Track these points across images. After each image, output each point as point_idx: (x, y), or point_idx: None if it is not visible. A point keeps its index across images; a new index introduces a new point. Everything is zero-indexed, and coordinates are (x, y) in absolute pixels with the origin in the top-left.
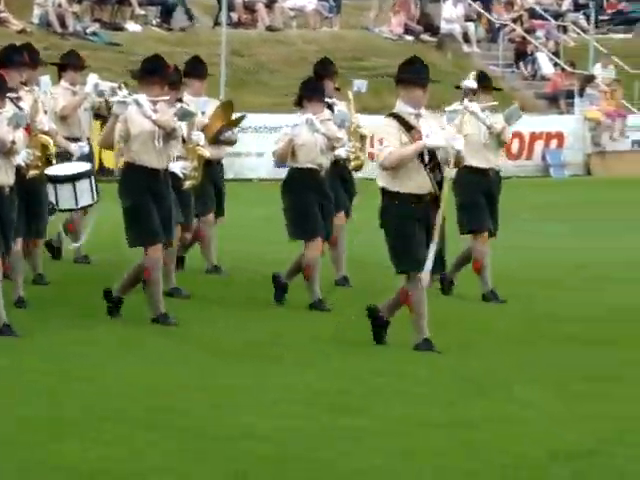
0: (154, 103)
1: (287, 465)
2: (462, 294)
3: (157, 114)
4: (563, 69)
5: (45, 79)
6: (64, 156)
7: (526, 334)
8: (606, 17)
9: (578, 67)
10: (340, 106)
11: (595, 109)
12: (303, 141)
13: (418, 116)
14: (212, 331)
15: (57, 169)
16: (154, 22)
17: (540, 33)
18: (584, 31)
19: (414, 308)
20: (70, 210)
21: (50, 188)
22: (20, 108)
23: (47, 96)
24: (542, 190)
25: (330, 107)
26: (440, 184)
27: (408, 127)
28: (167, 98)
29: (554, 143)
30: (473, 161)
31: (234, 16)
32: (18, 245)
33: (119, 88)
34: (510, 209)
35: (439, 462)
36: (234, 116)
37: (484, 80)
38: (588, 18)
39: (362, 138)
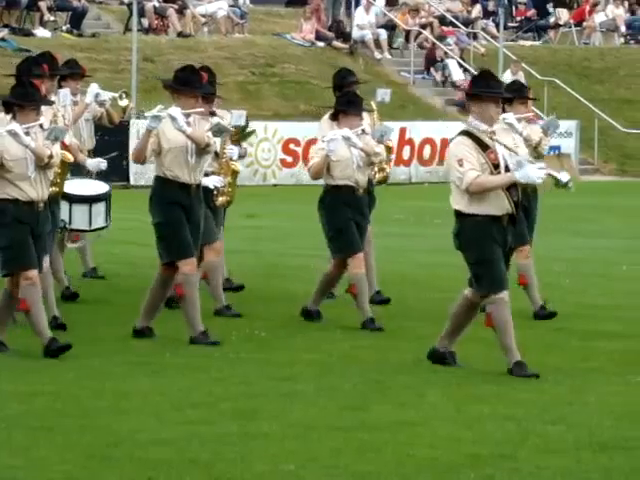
0: (187, 116)
1: (190, 470)
2: None
3: (191, 128)
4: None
5: (65, 91)
6: (79, 170)
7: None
8: (515, 24)
9: None
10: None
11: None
12: (339, 157)
13: (492, 133)
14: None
15: (75, 187)
16: (64, 28)
17: (450, 40)
18: (494, 38)
19: (499, 328)
20: (81, 231)
21: (64, 205)
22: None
23: (67, 108)
24: None
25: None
26: (517, 204)
27: (483, 146)
28: (201, 110)
29: None
30: None
31: (145, 22)
32: (47, 263)
33: (120, 98)
34: (422, 214)
35: (336, 464)
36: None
37: (520, 89)
38: (497, 25)
39: (388, 149)
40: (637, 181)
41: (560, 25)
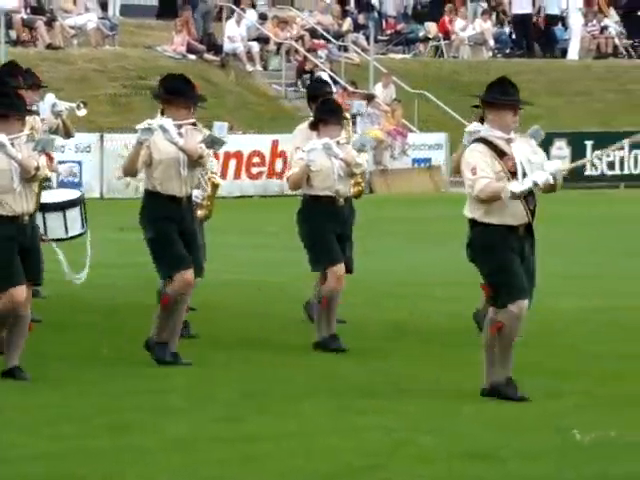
0: (179, 127)
1: None
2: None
3: (183, 140)
4: (345, 88)
5: (49, 99)
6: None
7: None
8: (385, 37)
9: (359, 87)
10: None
11: (376, 128)
12: (319, 167)
13: (509, 141)
14: None
15: (45, 196)
16: None
17: (321, 53)
18: (364, 51)
19: (504, 340)
20: (59, 240)
21: (38, 216)
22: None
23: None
24: None
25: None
26: (533, 212)
27: (500, 153)
28: (193, 121)
29: None
30: None
31: (13, 34)
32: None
33: (78, 108)
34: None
35: (221, 475)
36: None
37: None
38: (368, 38)
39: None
40: None
41: (429, 38)
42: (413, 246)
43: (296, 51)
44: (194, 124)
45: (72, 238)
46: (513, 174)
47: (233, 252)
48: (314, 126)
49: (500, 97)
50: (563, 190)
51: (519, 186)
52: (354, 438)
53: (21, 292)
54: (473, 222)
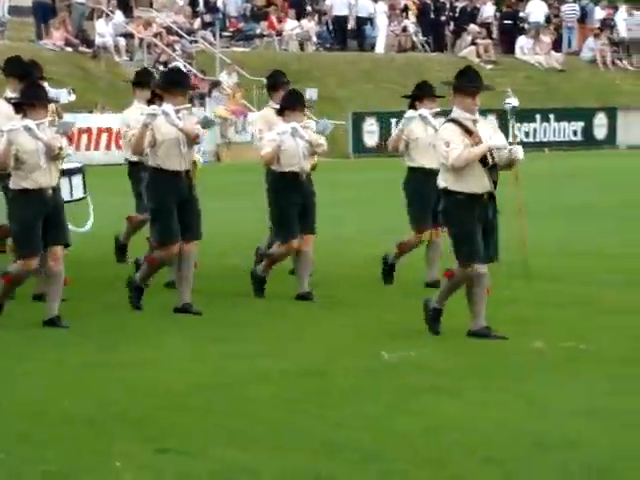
0: (177, 112)
1: None
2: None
3: (182, 122)
4: (196, 75)
5: (59, 91)
6: None
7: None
8: (229, 34)
9: (207, 74)
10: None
11: (223, 108)
12: (287, 147)
13: (475, 121)
14: None
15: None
16: None
17: (177, 46)
18: (211, 45)
19: (449, 287)
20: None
21: None
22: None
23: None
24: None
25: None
26: (495, 183)
27: (468, 131)
28: (189, 106)
29: None
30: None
31: None
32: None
33: (69, 94)
34: None
35: (99, 397)
36: None
37: (427, 89)
38: (214, 34)
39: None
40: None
41: (264, 35)
42: (250, 204)
43: (155, 45)
44: (189, 108)
45: (76, 200)
46: None
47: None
48: (280, 112)
49: (464, 84)
50: None
51: (498, 141)
52: (209, 363)
53: (34, 262)
54: (445, 191)
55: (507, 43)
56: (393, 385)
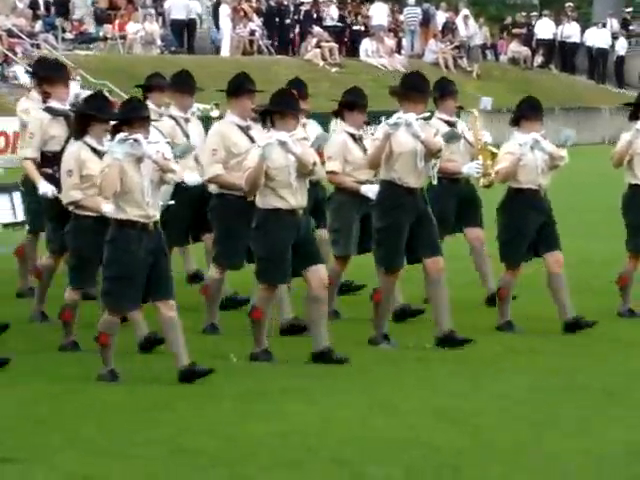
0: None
1: None
2: None
3: (424, 134)
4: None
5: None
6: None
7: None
8: (72, 37)
9: None
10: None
11: None
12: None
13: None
14: None
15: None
16: None
17: (18, 49)
18: (54, 48)
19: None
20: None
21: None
22: None
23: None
24: None
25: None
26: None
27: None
28: (428, 115)
29: None
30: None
31: None
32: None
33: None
34: None
35: None
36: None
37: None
38: (57, 37)
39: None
40: None
41: (108, 38)
42: None
43: None
44: (429, 118)
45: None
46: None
47: None
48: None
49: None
50: None
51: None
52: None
53: (278, 289)
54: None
55: (351, 46)
56: (241, 389)
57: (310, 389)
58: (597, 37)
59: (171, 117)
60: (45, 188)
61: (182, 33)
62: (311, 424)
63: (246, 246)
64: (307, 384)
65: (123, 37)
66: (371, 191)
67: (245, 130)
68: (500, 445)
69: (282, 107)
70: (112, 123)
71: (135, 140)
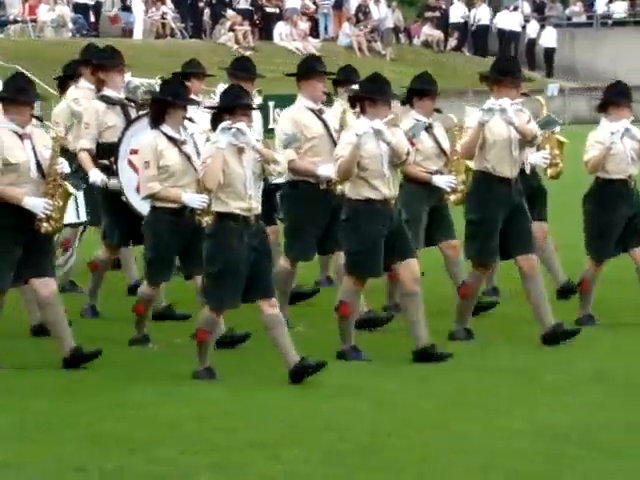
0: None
1: None
2: None
3: (518, 120)
4: None
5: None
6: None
7: None
8: None
9: None
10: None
11: None
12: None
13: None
14: None
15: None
16: None
17: None
18: None
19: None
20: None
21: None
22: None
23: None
24: None
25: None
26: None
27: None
28: (521, 100)
29: None
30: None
31: None
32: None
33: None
34: None
35: None
36: None
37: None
38: None
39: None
40: None
41: (18, 21)
42: None
43: None
44: (520, 104)
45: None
46: None
47: None
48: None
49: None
50: None
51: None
52: None
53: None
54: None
55: (265, 29)
56: (159, 374)
57: (225, 373)
58: (508, 20)
59: None
60: (95, 176)
61: (87, 16)
62: (226, 407)
63: (318, 237)
64: (221, 368)
65: (34, 20)
66: (444, 182)
67: (318, 113)
68: (417, 425)
69: (374, 94)
70: (204, 110)
71: (238, 129)
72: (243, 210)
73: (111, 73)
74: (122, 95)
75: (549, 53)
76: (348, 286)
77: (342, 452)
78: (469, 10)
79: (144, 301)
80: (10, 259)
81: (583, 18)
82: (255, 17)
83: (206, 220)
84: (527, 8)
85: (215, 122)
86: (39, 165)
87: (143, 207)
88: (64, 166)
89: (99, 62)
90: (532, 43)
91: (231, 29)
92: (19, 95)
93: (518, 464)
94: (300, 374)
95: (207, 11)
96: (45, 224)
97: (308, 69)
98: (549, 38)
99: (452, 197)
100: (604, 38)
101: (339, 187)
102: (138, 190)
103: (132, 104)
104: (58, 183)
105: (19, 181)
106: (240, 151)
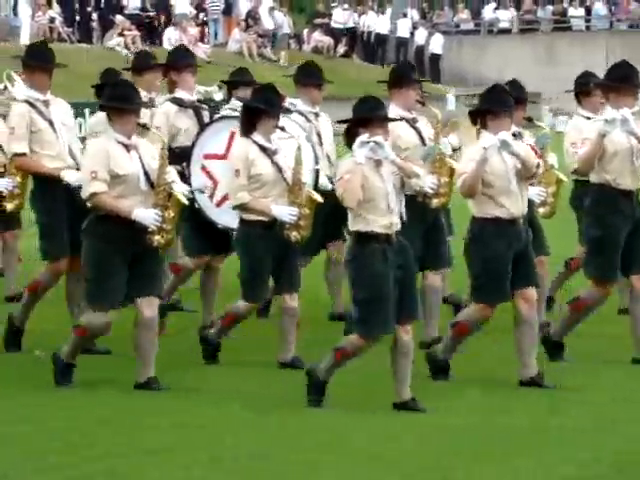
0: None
1: None
2: None
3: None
4: None
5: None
6: None
7: None
8: None
9: None
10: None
11: None
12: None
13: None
14: None
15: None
16: None
17: None
18: None
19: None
20: None
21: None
22: None
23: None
24: None
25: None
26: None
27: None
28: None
29: None
30: None
31: None
32: None
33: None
34: None
35: None
36: None
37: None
38: None
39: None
40: None
41: None
42: None
43: None
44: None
45: None
46: None
47: None
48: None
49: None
50: None
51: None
52: None
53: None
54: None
55: (155, 34)
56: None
57: (130, 380)
58: (398, 27)
59: (300, 113)
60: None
61: None
62: (130, 412)
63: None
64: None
65: None
66: (534, 194)
67: (411, 123)
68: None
69: (495, 106)
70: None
71: (376, 142)
72: (385, 227)
73: (183, 74)
74: (195, 97)
75: (435, 59)
76: (475, 313)
77: (221, 459)
78: (359, 16)
79: (237, 316)
80: (119, 277)
81: (471, 25)
82: (144, 22)
83: (294, 235)
84: (415, 15)
85: (349, 135)
86: (147, 176)
87: (215, 213)
88: (173, 175)
89: (171, 62)
90: (421, 50)
91: (120, 34)
92: (123, 103)
93: None
94: (403, 409)
95: (95, 16)
96: (157, 237)
97: (401, 77)
98: (436, 45)
99: (541, 210)
100: (490, 45)
101: (434, 201)
102: (211, 197)
103: (205, 107)
104: (168, 193)
105: (127, 193)
106: (378, 164)
